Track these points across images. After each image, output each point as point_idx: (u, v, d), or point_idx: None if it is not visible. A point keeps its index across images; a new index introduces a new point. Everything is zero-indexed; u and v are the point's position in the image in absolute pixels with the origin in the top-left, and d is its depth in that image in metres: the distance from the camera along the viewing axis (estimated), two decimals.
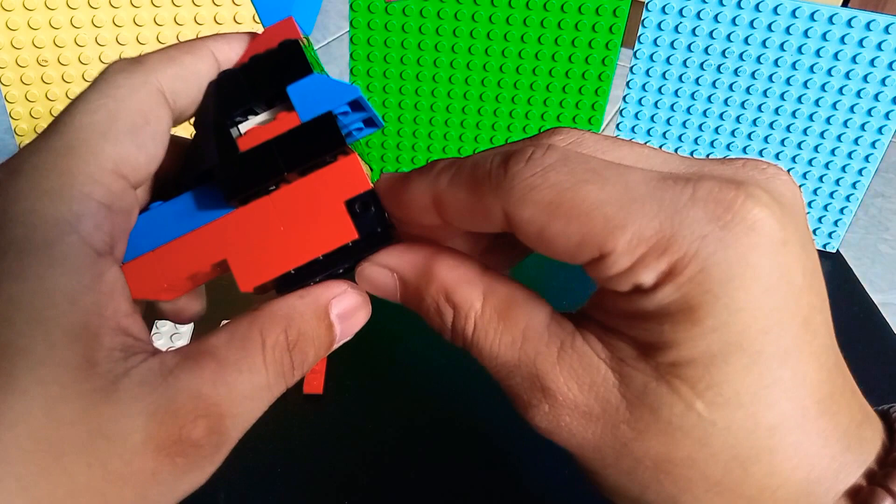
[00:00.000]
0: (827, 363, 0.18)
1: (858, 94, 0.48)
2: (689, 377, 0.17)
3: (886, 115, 0.48)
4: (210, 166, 0.20)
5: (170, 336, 0.41)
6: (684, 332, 0.17)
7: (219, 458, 0.19)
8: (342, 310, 0.21)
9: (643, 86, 0.51)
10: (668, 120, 0.52)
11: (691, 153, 0.53)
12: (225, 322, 0.43)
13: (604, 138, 0.19)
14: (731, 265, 0.16)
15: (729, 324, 0.16)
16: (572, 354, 0.18)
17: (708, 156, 0.53)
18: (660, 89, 0.51)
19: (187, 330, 0.41)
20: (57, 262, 0.17)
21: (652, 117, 0.52)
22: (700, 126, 0.52)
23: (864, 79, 0.47)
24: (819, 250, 0.55)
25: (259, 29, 0.22)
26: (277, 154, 0.20)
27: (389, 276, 0.21)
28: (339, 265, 0.21)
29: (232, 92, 0.20)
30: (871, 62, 0.47)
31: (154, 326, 0.41)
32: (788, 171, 0.52)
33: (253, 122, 0.21)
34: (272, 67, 0.20)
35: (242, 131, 0.20)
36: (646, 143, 0.53)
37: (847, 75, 0.47)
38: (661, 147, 0.53)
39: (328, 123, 0.20)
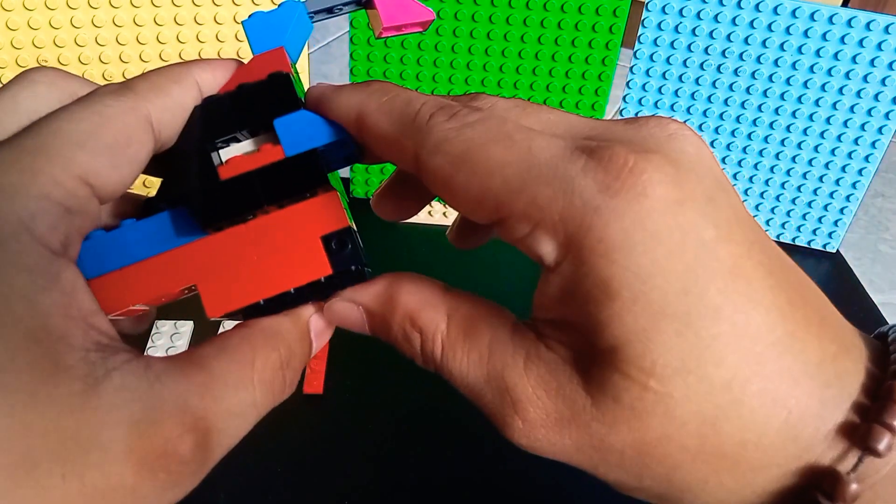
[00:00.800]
0: (777, 302, 0.17)
1: (858, 94, 0.48)
2: (633, 357, 0.17)
3: (886, 115, 0.48)
4: (188, 191, 0.20)
5: (170, 336, 0.41)
6: (607, 309, 0.16)
7: (200, 476, 0.18)
8: (317, 328, 0.21)
9: (643, 86, 0.51)
10: None
11: None
12: (223, 330, 0.43)
13: (530, 104, 0.20)
14: (629, 233, 0.16)
15: (646, 292, 0.16)
16: (538, 363, 0.18)
17: None
18: (660, 89, 0.51)
19: (188, 329, 0.41)
20: (9, 262, 0.16)
21: None
22: (700, 126, 0.52)
23: (864, 79, 0.47)
24: (819, 250, 0.55)
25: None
26: (259, 186, 0.20)
27: (356, 309, 0.21)
28: (309, 299, 0.21)
29: (218, 119, 0.20)
30: (871, 62, 0.47)
31: (154, 326, 0.41)
32: (788, 171, 0.52)
33: (235, 149, 0.20)
34: (261, 99, 0.20)
35: (224, 158, 0.20)
36: None
37: (847, 75, 0.47)
38: None
39: (311, 161, 0.20)
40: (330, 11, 0.22)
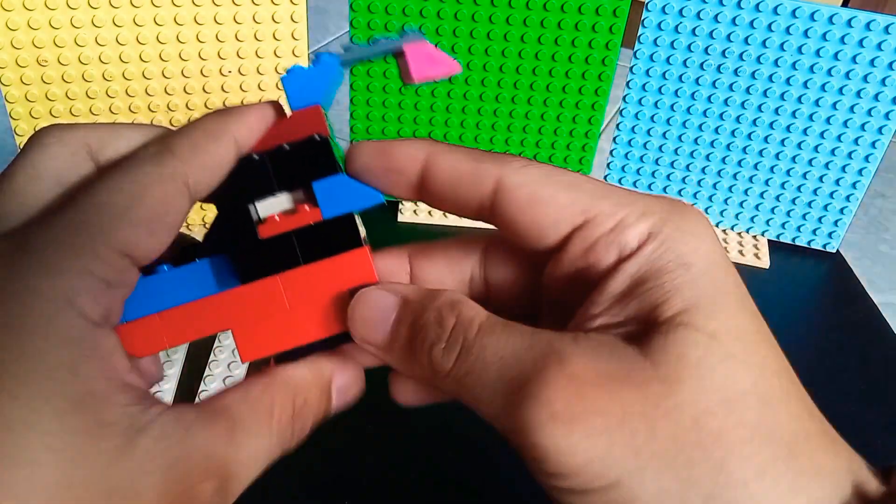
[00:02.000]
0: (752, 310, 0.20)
1: (858, 94, 0.48)
2: (703, 315, 0.18)
3: (886, 115, 0.48)
4: (229, 246, 0.21)
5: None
6: (682, 277, 0.19)
7: None
8: (341, 383, 0.22)
9: (643, 86, 0.51)
10: (668, 120, 0.52)
11: (691, 153, 0.53)
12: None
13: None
14: (694, 231, 0.20)
15: (712, 270, 0.19)
16: (587, 336, 0.19)
17: (708, 156, 0.53)
18: (660, 89, 0.51)
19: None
20: (54, 337, 0.17)
21: (652, 117, 0.52)
22: (700, 126, 0.52)
23: (864, 79, 0.47)
24: (819, 250, 0.55)
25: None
26: (297, 246, 0.21)
27: (390, 297, 0.21)
28: (336, 346, 0.22)
29: (257, 180, 0.21)
30: (871, 62, 0.47)
31: None
32: (788, 171, 0.52)
33: (272, 203, 0.22)
34: (301, 161, 0.21)
35: (261, 213, 0.21)
36: (645, 142, 0.53)
37: (847, 75, 0.47)
38: (660, 147, 0.53)
39: (348, 225, 0.21)
40: (360, 61, 0.23)
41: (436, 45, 0.23)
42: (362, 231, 0.22)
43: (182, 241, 0.22)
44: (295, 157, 0.21)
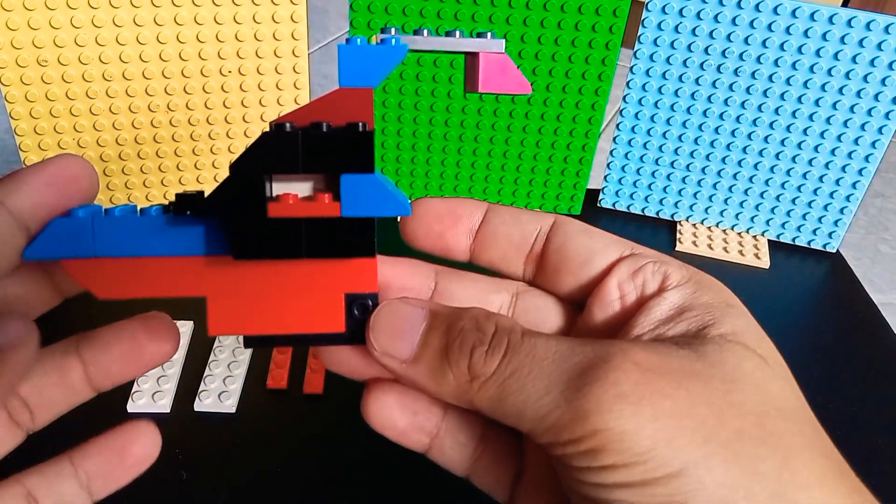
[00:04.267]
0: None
1: (858, 94, 0.48)
2: (751, 341, 0.19)
3: (886, 115, 0.48)
4: (232, 214, 0.19)
5: None
6: (727, 311, 0.20)
7: None
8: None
9: (643, 86, 0.51)
10: (668, 120, 0.52)
11: (692, 153, 0.53)
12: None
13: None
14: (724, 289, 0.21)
15: (750, 315, 0.20)
16: (642, 340, 0.19)
17: (708, 156, 0.53)
18: (660, 89, 0.51)
19: (188, 329, 0.41)
20: None
21: (652, 117, 0.52)
22: (700, 126, 0.52)
23: (864, 79, 0.47)
24: (819, 250, 0.55)
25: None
26: (305, 237, 0.19)
27: (418, 309, 0.20)
28: (310, 343, 0.20)
29: (283, 153, 0.19)
30: (871, 62, 0.47)
31: None
32: (788, 171, 0.52)
33: (290, 183, 0.20)
34: (336, 147, 0.19)
35: (276, 191, 0.19)
36: (645, 142, 0.53)
37: (847, 75, 0.47)
38: (660, 147, 0.53)
39: (367, 230, 0.19)
40: (429, 52, 0.22)
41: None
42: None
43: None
44: (331, 140, 0.19)
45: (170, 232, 0.19)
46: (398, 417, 0.22)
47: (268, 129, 0.19)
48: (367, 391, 0.22)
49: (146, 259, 0.19)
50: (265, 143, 0.19)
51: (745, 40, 0.48)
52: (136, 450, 0.21)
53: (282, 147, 0.19)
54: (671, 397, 0.17)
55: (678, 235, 0.55)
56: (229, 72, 0.47)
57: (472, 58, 0.22)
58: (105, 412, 0.38)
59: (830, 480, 0.17)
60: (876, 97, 0.48)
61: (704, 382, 0.17)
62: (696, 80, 0.50)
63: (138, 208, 0.20)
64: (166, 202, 0.20)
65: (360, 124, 0.19)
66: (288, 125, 0.19)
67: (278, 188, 0.19)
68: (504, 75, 0.22)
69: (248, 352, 0.40)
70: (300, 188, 0.20)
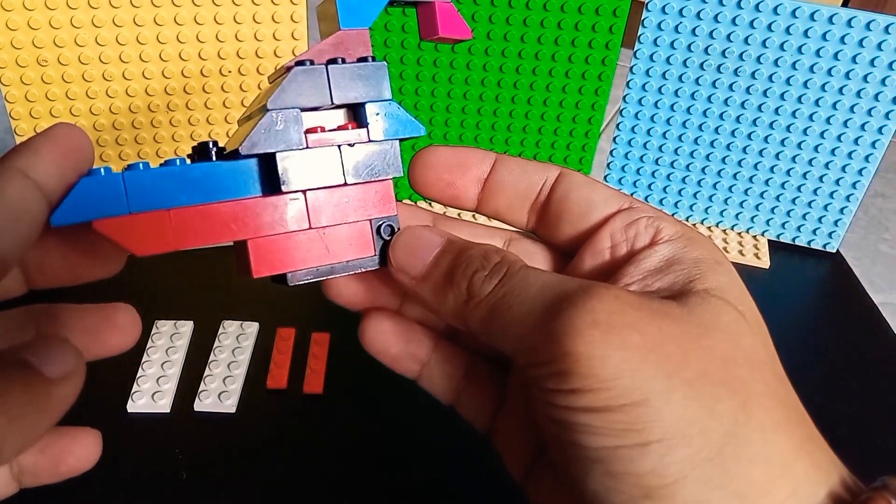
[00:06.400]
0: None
1: (858, 94, 0.48)
2: (732, 297, 0.20)
3: (886, 115, 0.48)
4: (270, 151, 0.20)
5: (170, 336, 0.41)
6: (714, 268, 0.20)
7: None
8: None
9: (643, 86, 0.51)
10: (668, 120, 0.52)
11: (692, 153, 0.53)
12: (223, 331, 0.42)
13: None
14: (715, 248, 0.22)
15: (736, 274, 0.21)
16: (628, 289, 0.20)
17: (708, 156, 0.53)
18: (660, 89, 0.51)
19: (188, 329, 0.41)
20: None
21: (652, 117, 0.52)
22: (700, 126, 0.52)
23: (864, 79, 0.47)
24: (819, 250, 0.55)
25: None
26: (343, 165, 0.21)
27: (436, 235, 0.22)
28: (345, 271, 0.22)
29: (312, 88, 0.21)
30: (871, 62, 0.47)
31: (154, 326, 0.41)
32: (788, 171, 0.52)
33: (324, 114, 0.21)
34: (357, 78, 0.21)
35: (305, 123, 0.21)
36: (645, 142, 0.53)
37: (847, 75, 0.47)
38: (660, 147, 0.53)
39: (391, 151, 0.22)
40: (391, 4, 0.23)
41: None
42: None
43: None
44: (353, 73, 0.21)
45: (203, 179, 0.20)
46: (392, 343, 0.24)
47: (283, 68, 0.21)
48: (365, 318, 0.24)
49: (179, 210, 0.19)
50: (297, 78, 0.20)
51: (745, 40, 0.48)
52: (72, 461, 0.20)
53: (313, 82, 0.21)
54: (642, 332, 0.18)
55: None
56: (229, 72, 0.47)
57: (425, 7, 0.24)
58: (105, 412, 0.38)
59: (785, 427, 0.18)
60: (876, 97, 0.48)
61: (678, 324, 0.18)
62: (696, 80, 0.50)
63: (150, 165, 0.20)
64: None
65: (371, 56, 0.21)
66: (309, 61, 0.21)
67: (312, 119, 0.21)
68: (454, 21, 0.23)
69: (248, 352, 0.40)
70: (335, 116, 0.22)
